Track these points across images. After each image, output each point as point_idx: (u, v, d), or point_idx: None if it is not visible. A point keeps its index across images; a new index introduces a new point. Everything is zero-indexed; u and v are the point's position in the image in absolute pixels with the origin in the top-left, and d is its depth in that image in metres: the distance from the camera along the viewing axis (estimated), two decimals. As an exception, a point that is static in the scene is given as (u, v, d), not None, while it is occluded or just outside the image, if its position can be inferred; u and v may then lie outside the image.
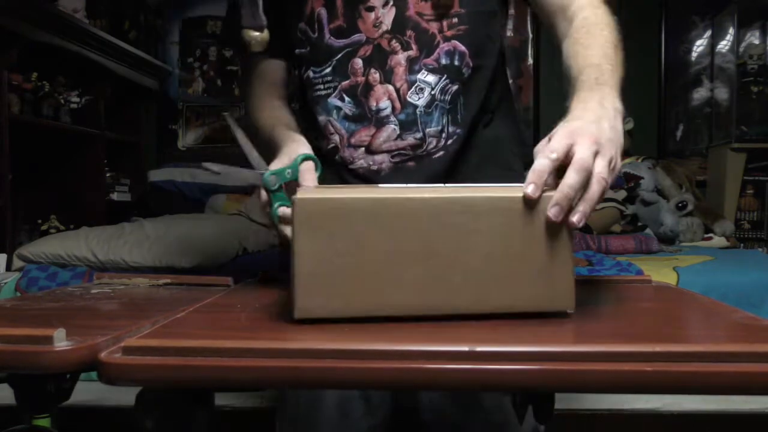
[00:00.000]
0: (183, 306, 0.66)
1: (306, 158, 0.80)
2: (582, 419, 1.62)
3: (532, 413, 0.63)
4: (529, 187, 0.59)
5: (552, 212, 0.58)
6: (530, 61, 3.43)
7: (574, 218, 0.59)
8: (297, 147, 0.85)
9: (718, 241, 2.64)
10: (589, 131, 0.63)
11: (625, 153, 3.11)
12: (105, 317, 0.67)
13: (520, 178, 0.71)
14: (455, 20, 0.94)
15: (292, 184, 0.78)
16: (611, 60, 0.77)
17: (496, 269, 0.59)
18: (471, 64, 0.96)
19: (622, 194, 2.67)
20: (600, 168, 0.61)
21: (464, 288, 0.59)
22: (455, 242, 0.58)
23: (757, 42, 3.02)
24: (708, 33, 3.34)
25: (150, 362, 0.46)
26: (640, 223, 2.61)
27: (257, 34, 0.95)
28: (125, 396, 1.53)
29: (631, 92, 4.01)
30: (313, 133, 1.01)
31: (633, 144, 3.18)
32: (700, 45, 3.43)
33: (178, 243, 1.96)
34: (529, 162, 0.65)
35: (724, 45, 3.19)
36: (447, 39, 0.94)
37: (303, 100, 1.04)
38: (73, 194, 2.69)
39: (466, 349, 0.46)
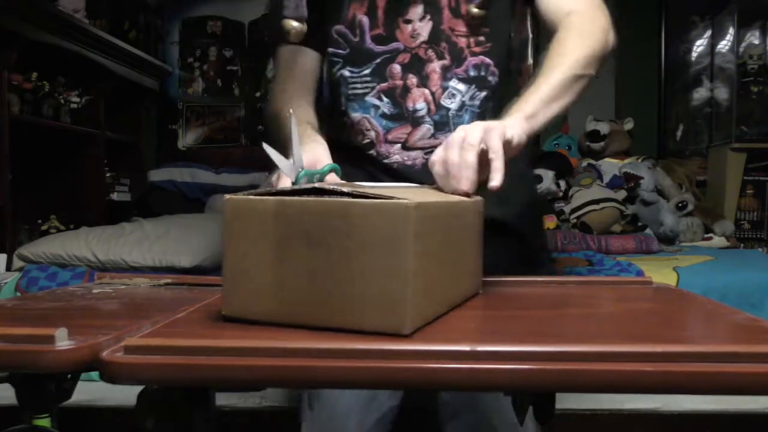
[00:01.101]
0: (184, 306, 0.66)
1: (331, 169, 0.80)
2: (582, 419, 1.62)
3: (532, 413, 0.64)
4: (466, 182, 0.73)
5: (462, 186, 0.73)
6: (530, 61, 3.43)
7: (494, 183, 0.72)
8: (317, 148, 0.87)
9: (718, 241, 2.64)
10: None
11: (625, 153, 3.11)
12: (106, 317, 0.67)
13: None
14: (482, 38, 1.04)
15: None
16: (557, 78, 0.90)
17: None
18: (497, 73, 1.06)
19: (622, 194, 2.67)
20: (468, 139, 0.74)
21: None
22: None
23: (757, 42, 3.02)
24: (708, 33, 3.34)
25: (151, 361, 0.47)
26: (640, 223, 2.61)
27: (297, 24, 1.01)
28: (125, 396, 1.54)
29: (632, 92, 3.99)
30: (341, 126, 1.07)
31: (633, 144, 3.18)
32: (700, 45, 3.43)
33: (178, 243, 1.96)
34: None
35: (724, 45, 3.19)
36: (474, 54, 1.04)
37: (331, 95, 1.11)
38: (73, 194, 2.69)
39: (467, 348, 0.46)
